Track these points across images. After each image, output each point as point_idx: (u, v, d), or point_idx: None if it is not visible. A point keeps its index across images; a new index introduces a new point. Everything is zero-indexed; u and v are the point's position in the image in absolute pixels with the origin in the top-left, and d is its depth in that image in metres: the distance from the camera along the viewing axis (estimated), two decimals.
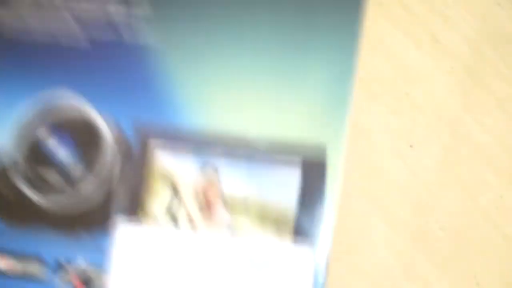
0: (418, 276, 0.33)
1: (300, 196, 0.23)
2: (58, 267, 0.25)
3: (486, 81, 0.32)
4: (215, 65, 0.25)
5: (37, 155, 0.25)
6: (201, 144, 0.24)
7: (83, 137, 0.25)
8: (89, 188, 0.24)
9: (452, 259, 0.33)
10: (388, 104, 0.32)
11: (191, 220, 0.24)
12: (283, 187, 0.23)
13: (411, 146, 0.32)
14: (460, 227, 0.32)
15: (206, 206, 0.23)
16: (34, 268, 0.25)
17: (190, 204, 0.24)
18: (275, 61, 0.25)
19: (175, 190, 0.24)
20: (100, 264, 0.25)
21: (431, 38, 0.32)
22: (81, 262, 0.25)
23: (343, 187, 0.33)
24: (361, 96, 0.32)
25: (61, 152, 0.25)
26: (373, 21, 0.32)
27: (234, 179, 0.23)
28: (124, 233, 0.24)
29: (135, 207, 0.24)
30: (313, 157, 0.23)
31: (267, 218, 0.23)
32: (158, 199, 0.24)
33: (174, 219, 0.24)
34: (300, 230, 0.23)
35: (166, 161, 0.24)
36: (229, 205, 0.23)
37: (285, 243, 0.23)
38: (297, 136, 0.24)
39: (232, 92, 0.24)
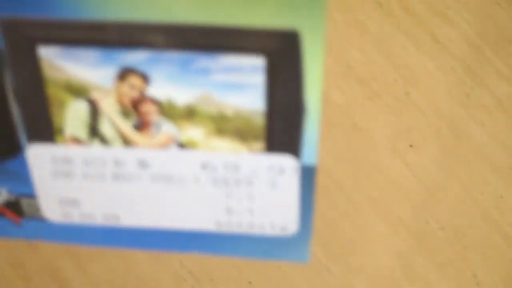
0: (417, 276, 0.33)
1: (268, 95, 0.17)
2: None
3: (486, 81, 0.32)
4: None
5: None
6: (116, 42, 0.17)
7: None
8: None
9: (452, 259, 0.33)
10: (388, 104, 0.32)
11: (125, 138, 0.18)
12: (240, 89, 0.17)
13: (411, 146, 0.32)
14: (460, 227, 0.32)
15: (142, 123, 0.18)
16: None
17: (119, 121, 0.18)
18: None
19: (93, 107, 0.18)
20: (24, 191, 0.20)
21: (431, 38, 0.32)
22: (2, 191, 0.20)
23: (341, 186, 0.33)
24: (360, 95, 0.32)
25: None
26: (374, 21, 0.32)
27: (172, 82, 0.17)
28: (41, 158, 0.19)
29: (47, 130, 0.18)
30: (282, 46, 0.17)
31: (227, 128, 0.17)
32: (74, 118, 0.18)
33: (102, 138, 0.18)
34: (274, 138, 0.17)
35: (69, 72, 0.17)
36: (173, 116, 0.17)
37: (255, 156, 0.17)
38: (257, 17, 0.16)
39: None
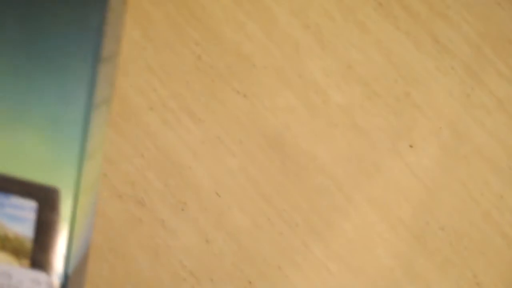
0: (418, 276, 0.33)
1: (36, 229, 0.26)
2: None
3: (487, 81, 0.32)
4: None
5: None
6: None
7: None
8: None
9: (452, 259, 0.33)
10: (388, 104, 0.32)
11: None
12: (19, 220, 0.26)
13: (411, 146, 0.32)
14: (460, 227, 0.32)
15: None
16: None
17: None
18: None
19: None
20: None
21: (431, 38, 0.32)
22: None
23: (341, 186, 0.33)
24: (360, 95, 0.32)
25: None
26: (373, 21, 0.32)
27: None
28: None
29: None
30: (47, 197, 0.25)
31: (7, 246, 0.26)
32: None
33: None
34: (37, 259, 0.26)
35: None
36: None
37: (23, 269, 0.26)
38: (29, 173, 0.25)
39: None
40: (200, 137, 0.33)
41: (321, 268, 0.33)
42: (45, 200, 0.25)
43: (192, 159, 0.33)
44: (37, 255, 0.26)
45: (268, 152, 0.33)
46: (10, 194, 0.25)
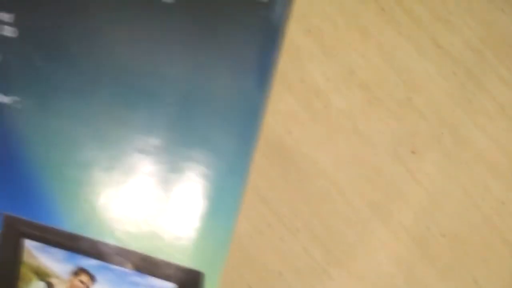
0: (419, 282, 0.33)
1: None
2: None
3: (488, 86, 0.32)
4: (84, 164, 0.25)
5: None
6: (75, 249, 0.25)
7: None
8: None
9: (453, 264, 0.33)
10: (390, 109, 0.32)
11: None
12: None
13: (413, 152, 0.32)
14: (461, 233, 0.32)
15: None
16: None
17: None
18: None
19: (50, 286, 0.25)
20: None
21: (433, 43, 0.32)
22: None
23: (342, 191, 0.33)
24: (362, 100, 0.32)
25: None
26: (375, 26, 0.32)
27: (107, 285, 0.25)
28: None
29: None
30: (189, 280, 0.25)
31: None
32: None
33: None
34: None
35: (40, 261, 0.25)
36: None
37: None
38: (172, 256, 0.25)
39: (101, 197, 0.25)
40: None
41: (322, 273, 0.33)
42: (186, 283, 0.24)
43: None
44: None
45: (269, 157, 0.33)
46: (150, 275, 0.25)
